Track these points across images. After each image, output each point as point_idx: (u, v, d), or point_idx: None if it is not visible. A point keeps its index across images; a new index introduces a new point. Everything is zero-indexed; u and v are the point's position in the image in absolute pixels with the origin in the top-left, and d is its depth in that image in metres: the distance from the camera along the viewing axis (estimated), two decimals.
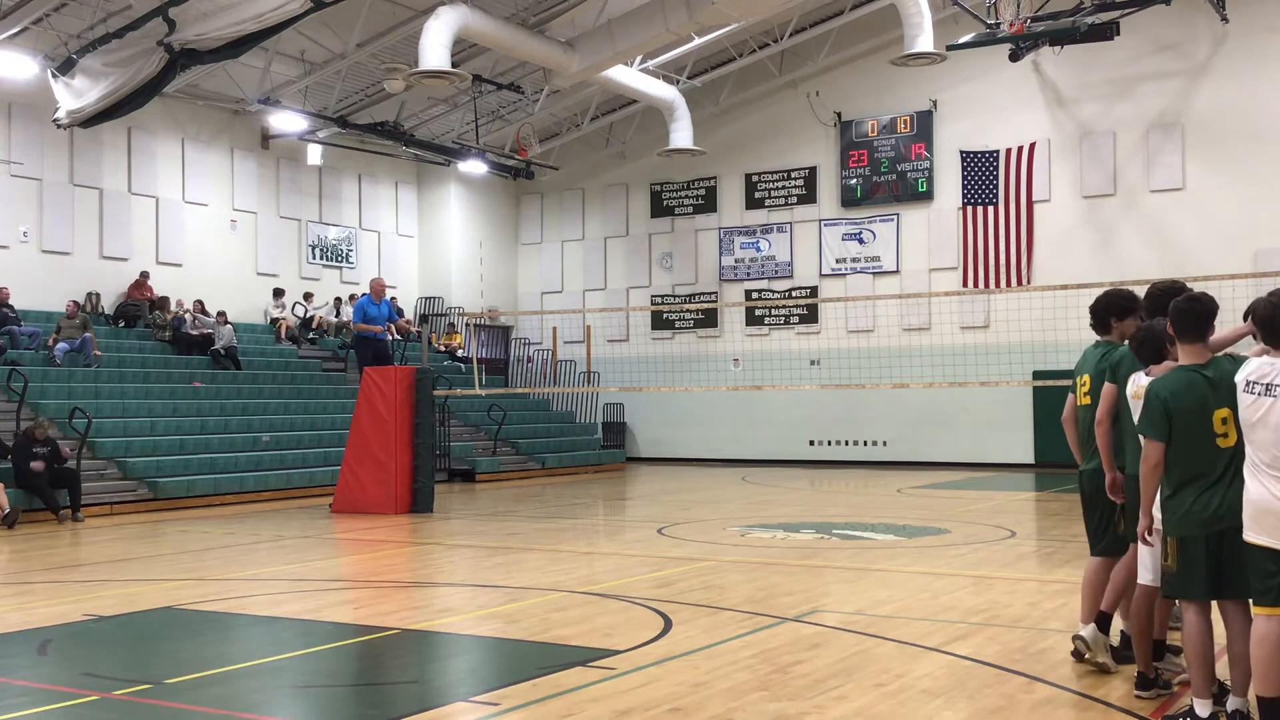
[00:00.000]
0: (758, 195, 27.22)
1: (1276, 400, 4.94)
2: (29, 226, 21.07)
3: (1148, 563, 5.84)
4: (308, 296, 25.52)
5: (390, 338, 20.37)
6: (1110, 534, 6.58)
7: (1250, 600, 5.23)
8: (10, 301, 20.00)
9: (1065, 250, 23.60)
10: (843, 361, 24.50)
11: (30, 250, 21.06)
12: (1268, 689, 5.01)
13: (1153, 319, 6.03)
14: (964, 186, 24.68)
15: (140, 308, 22.15)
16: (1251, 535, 5.06)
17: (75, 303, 20.68)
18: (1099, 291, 6.90)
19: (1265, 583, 5.04)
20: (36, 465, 15.25)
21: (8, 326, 19.47)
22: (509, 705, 5.94)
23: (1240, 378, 5.12)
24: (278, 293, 24.79)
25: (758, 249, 27.16)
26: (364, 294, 20.19)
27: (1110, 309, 6.73)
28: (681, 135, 24.90)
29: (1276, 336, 5.02)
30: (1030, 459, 24.02)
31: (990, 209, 24.42)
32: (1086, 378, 6.66)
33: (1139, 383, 5.88)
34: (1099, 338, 6.80)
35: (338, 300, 25.82)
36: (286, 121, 23.85)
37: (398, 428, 16.33)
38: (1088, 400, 6.62)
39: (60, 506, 15.28)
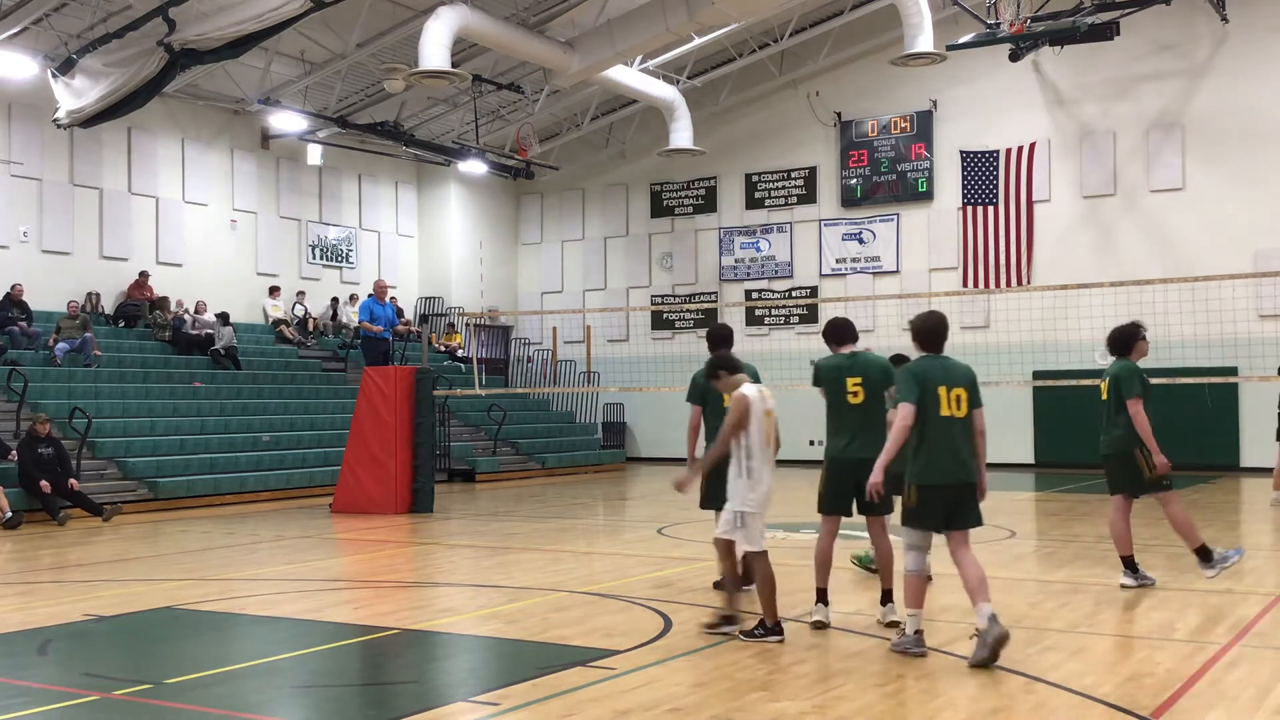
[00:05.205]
0: (758, 195, 27.21)
1: None
2: (29, 226, 21.06)
3: None
4: (300, 295, 25.48)
5: (391, 339, 20.38)
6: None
7: None
8: (24, 298, 20.08)
9: (1065, 250, 23.59)
10: None
11: (30, 250, 21.06)
12: None
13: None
14: (964, 186, 24.67)
15: (140, 308, 22.14)
16: None
17: (75, 303, 20.69)
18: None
19: None
20: (44, 485, 15.22)
21: (10, 326, 19.48)
22: (509, 705, 5.94)
23: None
24: (273, 291, 24.77)
25: (758, 249, 27.15)
26: (369, 295, 20.20)
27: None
28: (681, 135, 24.89)
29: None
30: (1030, 459, 23.96)
31: (990, 209, 24.41)
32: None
33: None
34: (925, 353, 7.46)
35: (352, 298, 25.72)
36: (286, 121, 23.84)
37: (398, 428, 16.32)
38: None
39: (60, 507, 15.26)
